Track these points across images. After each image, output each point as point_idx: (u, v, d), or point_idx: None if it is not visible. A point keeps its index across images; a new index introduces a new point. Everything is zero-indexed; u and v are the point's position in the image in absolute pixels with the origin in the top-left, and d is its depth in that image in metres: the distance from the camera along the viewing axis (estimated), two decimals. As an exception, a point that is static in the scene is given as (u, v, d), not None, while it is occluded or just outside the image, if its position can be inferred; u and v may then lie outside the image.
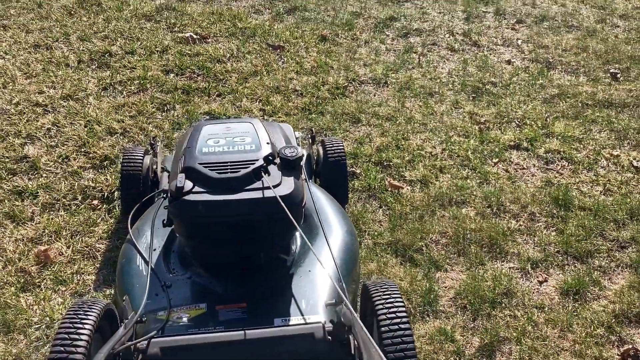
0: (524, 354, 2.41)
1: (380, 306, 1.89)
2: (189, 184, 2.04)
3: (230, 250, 2.18)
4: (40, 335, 2.37)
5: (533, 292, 2.71)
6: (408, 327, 1.83)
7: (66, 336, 1.68)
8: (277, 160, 2.17)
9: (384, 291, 1.96)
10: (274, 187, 2.04)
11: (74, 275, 2.66)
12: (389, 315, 1.85)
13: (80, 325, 1.73)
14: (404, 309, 1.88)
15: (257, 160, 2.12)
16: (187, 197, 2.01)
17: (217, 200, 2.01)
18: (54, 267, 2.68)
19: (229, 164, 2.10)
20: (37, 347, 2.33)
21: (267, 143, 2.23)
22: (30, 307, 2.50)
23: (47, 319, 2.43)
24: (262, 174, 2.09)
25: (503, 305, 2.63)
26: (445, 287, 2.72)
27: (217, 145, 2.21)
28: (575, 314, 2.60)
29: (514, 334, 2.49)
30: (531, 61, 4.63)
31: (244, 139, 2.24)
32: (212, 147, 2.19)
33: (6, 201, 3.00)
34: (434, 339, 2.44)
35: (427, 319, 2.56)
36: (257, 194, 2.04)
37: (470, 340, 2.48)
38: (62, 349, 1.65)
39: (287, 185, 2.08)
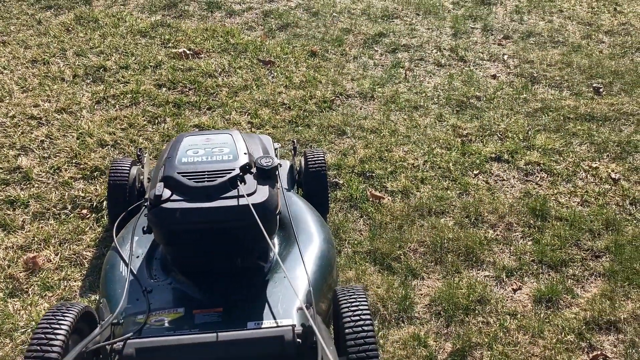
0: (495, 359, 2.48)
1: (346, 309, 1.97)
2: (167, 192, 2.14)
3: (206, 257, 2.27)
4: (26, 339, 2.46)
5: (507, 300, 2.78)
6: (371, 329, 1.91)
7: (43, 335, 1.77)
8: (254, 170, 2.27)
9: (350, 295, 2.05)
10: (249, 195, 2.13)
11: (61, 281, 2.75)
12: (353, 318, 1.93)
13: (57, 326, 1.81)
14: (367, 311, 1.96)
15: (234, 169, 2.21)
16: (164, 205, 2.11)
17: (193, 208, 2.10)
18: (41, 274, 2.77)
19: (206, 173, 2.19)
20: (22, 350, 2.41)
21: (245, 153, 2.32)
22: (17, 312, 2.59)
23: (33, 323, 2.51)
24: (238, 182, 2.18)
25: (476, 312, 2.70)
26: (421, 295, 2.79)
27: (196, 155, 2.31)
28: (547, 320, 2.67)
29: (486, 339, 2.56)
30: (516, 76, 4.73)
31: (222, 150, 2.34)
32: (192, 157, 2.29)
33: (-2, 210, 3.10)
34: (407, 345, 2.51)
35: (402, 325, 2.63)
36: (232, 202, 2.13)
37: (443, 346, 2.55)
38: (38, 347, 1.73)
39: (262, 194, 2.18)
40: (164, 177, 2.20)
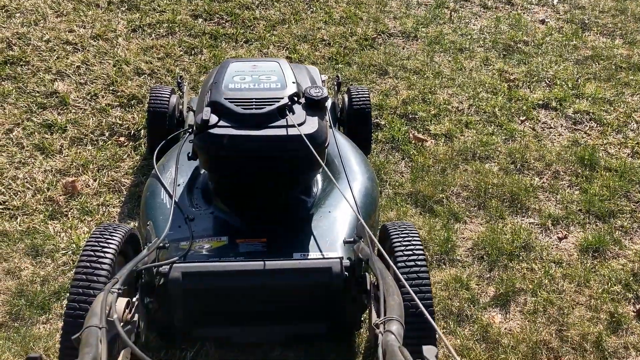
0: (539, 306, 2.42)
1: (398, 243, 1.91)
2: (214, 118, 2.06)
3: (251, 185, 2.22)
4: (67, 261, 2.46)
5: (552, 248, 2.71)
6: (424, 263, 1.85)
7: (92, 253, 1.74)
8: (302, 101, 2.18)
9: (402, 230, 1.98)
10: (298, 125, 2.05)
11: (100, 206, 2.73)
12: (405, 252, 1.87)
13: (106, 244, 1.78)
14: (420, 245, 1.90)
15: (282, 98, 2.12)
16: (211, 130, 2.04)
17: (240, 135, 2.03)
18: (80, 198, 2.75)
19: (254, 100, 2.11)
20: (63, 271, 2.42)
21: (293, 82, 2.23)
22: (58, 234, 2.58)
23: (74, 245, 2.51)
24: (287, 112, 2.10)
25: (520, 258, 2.63)
26: (464, 238, 2.73)
27: (243, 82, 2.21)
28: (593, 270, 2.60)
29: (530, 286, 2.50)
30: (566, 22, 4.50)
31: (269, 77, 2.24)
32: (238, 84, 2.20)
33: (36, 134, 3.06)
34: (449, 286, 2.47)
35: (444, 267, 2.58)
36: (280, 131, 2.05)
37: (486, 289, 2.50)
38: (88, 264, 1.71)
39: (311, 125, 2.09)
40: (211, 102, 2.12)
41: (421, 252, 1.88)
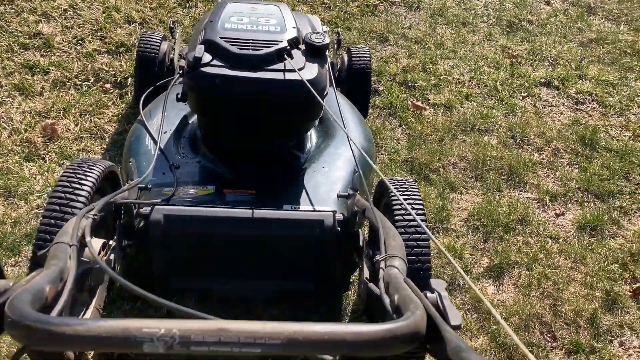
0: (533, 279, 2.34)
1: (396, 198, 1.80)
2: (207, 56, 1.92)
3: (242, 132, 2.09)
4: (41, 204, 2.32)
5: (549, 223, 2.62)
6: (424, 218, 1.74)
7: (67, 184, 1.60)
8: (302, 47, 2.05)
9: (401, 184, 1.87)
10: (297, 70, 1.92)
11: (80, 152, 2.58)
12: (404, 206, 1.76)
13: (83, 177, 1.65)
14: (420, 201, 1.79)
15: (281, 41, 1.99)
16: (204, 69, 1.90)
17: (235, 76, 1.89)
18: (60, 142, 2.60)
19: (250, 41, 1.98)
20: (37, 214, 2.28)
21: (293, 27, 2.09)
22: (33, 176, 2.43)
23: (50, 189, 2.37)
24: (285, 56, 1.97)
25: (517, 231, 2.54)
26: (459, 208, 2.63)
27: (241, 22, 2.08)
28: (590, 248, 2.52)
29: (525, 259, 2.42)
30: (572, 4, 4.40)
31: (268, 20, 2.11)
32: (235, 24, 2.06)
33: (16, 74, 2.90)
34: (442, 255, 2.37)
35: (437, 235, 2.48)
36: (277, 75, 1.92)
37: (479, 260, 2.41)
38: (62, 195, 1.57)
39: (311, 71, 1.96)
40: (205, 40, 1.98)
41: (421, 206, 1.77)
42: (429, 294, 0.87)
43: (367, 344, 0.71)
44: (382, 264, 1.10)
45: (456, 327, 0.79)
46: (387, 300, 0.93)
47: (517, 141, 3.04)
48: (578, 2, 4.42)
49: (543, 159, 2.97)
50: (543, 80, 3.53)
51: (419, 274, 1.61)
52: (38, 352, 1.61)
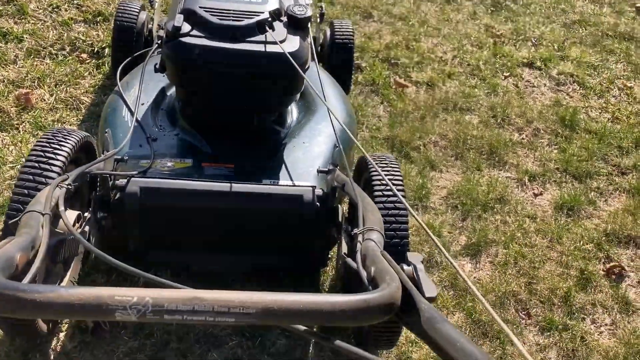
0: (510, 258, 2.36)
1: (376, 173, 1.79)
2: (187, 26, 1.88)
3: (222, 105, 2.05)
4: (15, 175, 2.26)
5: (527, 203, 2.64)
6: (403, 194, 1.74)
7: (41, 154, 1.56)
8: (284, 19, 2.01)
9: (382, 161, 1.86)
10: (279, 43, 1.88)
11: (55, 123, 2.52)
12: (384, 182, 1.75)
13: (57, 147, 1.61)
14: (400, 177, 1.79)
15: (263, 13, 1.95)
16: (183, 39, 1.86)
17: (215, 47, 1.85)
18: (34, 112, 2.54)
19: (231, 11, 1.93)
20: (10, 185, 2.22)
21: (275, -1, 2.05)
22: (6, 146, 2.38)
23: (22, 160, 2.30)
24: (267, 28, 1.93)
25: (495, 210, 2.56)
26: (438, 187, 2.63)
27: (222, -8, 2.03)
28: (566, 228, 2.55)
29: (503, 238, 2.44)
30: (556, -15, 4.39)
31: (251, -9, 2.06)
32: None
33: (-12, 41, 2.81)
34: (420, 231, 2.38)
35: (417, 213, 2.49)
36: (258, 47, 1.88)
37: (457, 238, 2.42)
38: (36, 164, 1.53)
39: (292, 43, 1.93)
40: (184, 9, 1.93)
41: (400, 182, 1.77)
42: (405, 267, 0.87)
43: (342, 314, 0.70)
44: (360, 237, 1.10)
45: (431, 299, 0.79)
46: (363, 272, 0.93)
47: (498, 121, 3.05)
48: (562, -17, 4.41)
49: (523, 139, 2.98)
50: (525, 60, 3.53)
51: (397, 249, 1.61)
52: (9, 324, 1.58)
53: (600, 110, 3.28)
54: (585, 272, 2.36)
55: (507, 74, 3.40)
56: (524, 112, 3.12)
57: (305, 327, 0.73)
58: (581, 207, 2.66)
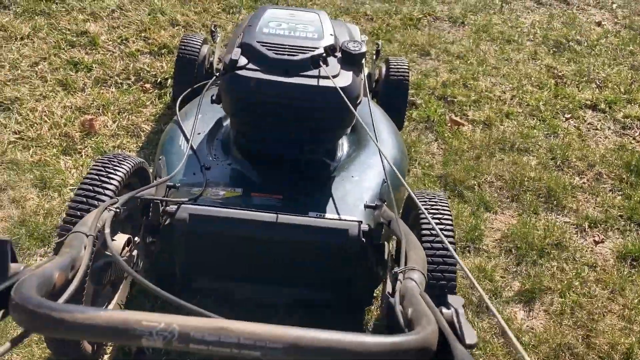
0: (567, 307, 2.24)
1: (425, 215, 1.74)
2: (243, 60, 1.93)
3: (273, 136, 2.08)
4: (74, 197, 2.35)
5: (586, 250, 2.51)
6: (452, 234, 1.68)
7: (96, 177, 1.62)
8: (339, 55, 2.03)
9: (431, 198, 1.82)
10: (332, 77, 1.90)
11: (115, 148, 2.62)
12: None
13: (112, 171, 1.66)
14: (450, 217, 1.74)
15: (318, 48, 1.98)
16: (239, 72, 1.90)
17: (269, 80, 1.89)
18: (96, 138, 2.65)
19: (287, 46, 1.97)
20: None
21: (331, 35, 2.08)
22: (69, 169, 2.48)
23: (83, 183, 2.40)
24: (321, 63, 1.95)
25: (551, 256, 2.44)
26: (492, 229, 2.55)
27: (279, 27, 2.08)
28: (630, 279, 2.40)
29: (559, 286, 2.32)
30: (624, 27, 4.26)
31: (307, 27, 2.10)
32: (273, 29, 2.06)
33: (61, 69, 2.97)
34: (472, 274, 2.29)
35: (468, 255, 2.41)
36: (311, 81, 1.91)
37: (510, 283, 2.32)
38: (90, 187, 1.59)
39: (345, 78, 1.94)
40: (242, 43, 1.98)
41: (450, 222, 1.71)
42: (444, 310, 0.83)
43: (372, 355, 0.67)
44: (401, 276, 1.06)
45: (470, 346, 0.74)
46: (400, 313, 0.89)
47: (558, 163, 2.94)
48: (631, 25, 4.28)
49: (584, 183, 2.85)
50: (589, 102, 3.42)
51: (444, 292, 1.55)
52: (56, 343, 1.62)
53: (669, 157, 3.11)
54: (650, 328, 2.20)
55: (569, 115, 3.29)
56: (586, 155, 2.99)
57: None
58: (646, 257, 2.50)
